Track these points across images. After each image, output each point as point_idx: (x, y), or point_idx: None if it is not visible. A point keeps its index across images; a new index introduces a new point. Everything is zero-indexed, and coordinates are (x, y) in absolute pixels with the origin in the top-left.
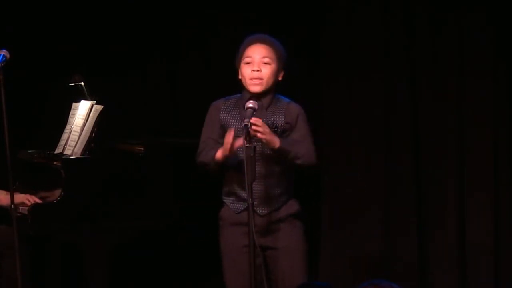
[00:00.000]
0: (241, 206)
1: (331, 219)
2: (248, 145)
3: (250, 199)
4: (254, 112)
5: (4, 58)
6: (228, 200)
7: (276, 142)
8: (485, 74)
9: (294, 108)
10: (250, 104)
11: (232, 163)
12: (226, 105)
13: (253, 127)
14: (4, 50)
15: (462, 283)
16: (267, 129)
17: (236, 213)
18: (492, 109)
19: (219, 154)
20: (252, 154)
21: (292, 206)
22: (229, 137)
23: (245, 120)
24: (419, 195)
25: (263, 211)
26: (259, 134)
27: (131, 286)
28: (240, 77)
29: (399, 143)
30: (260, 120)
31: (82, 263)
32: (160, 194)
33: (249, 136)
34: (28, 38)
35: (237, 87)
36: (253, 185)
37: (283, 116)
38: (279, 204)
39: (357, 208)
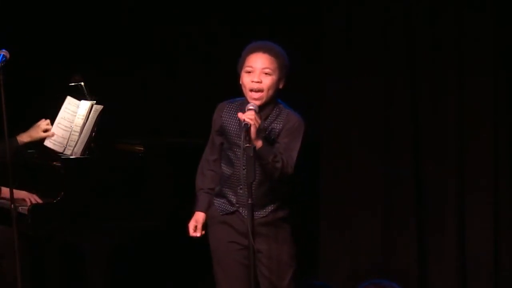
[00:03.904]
0: (230, 208)
1: (330, 219)
2: (247, 145)
3: (249, 199)
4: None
5: (4, 58)
6: (217, 201)
7: (260, 141)
8: (485, 74)
9: (294, 119)
10: (251, 106)
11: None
12: (229, 108)
13: (247, 112)
14: (4, 50)
15: (462, 284)
16: (258, 122)
17: (221, 214)
18: (492, 109)
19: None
20: (251, 154)
21: (281, 211)
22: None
23: (245, 120)
24: (419, 195)
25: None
26: (247, 119)
27: (131, 286)
28: (241, 82)
29: (399, 143)
30: (254, 114)
31: (82, 263)
32: (160, 194)
33: (249, 136)
34: (28, 38)
35: (237, 87)
36: (240, 192)
37: (281, 126)
38: (268, 211)
39: (357, 208)
